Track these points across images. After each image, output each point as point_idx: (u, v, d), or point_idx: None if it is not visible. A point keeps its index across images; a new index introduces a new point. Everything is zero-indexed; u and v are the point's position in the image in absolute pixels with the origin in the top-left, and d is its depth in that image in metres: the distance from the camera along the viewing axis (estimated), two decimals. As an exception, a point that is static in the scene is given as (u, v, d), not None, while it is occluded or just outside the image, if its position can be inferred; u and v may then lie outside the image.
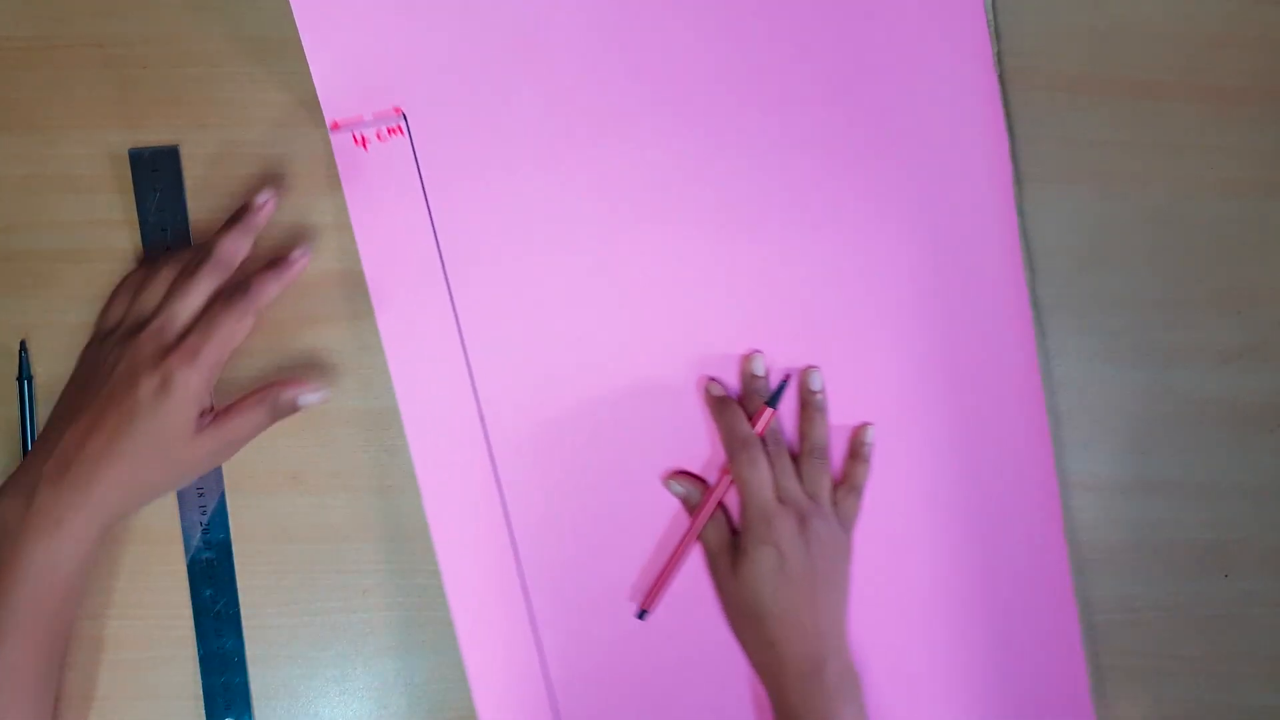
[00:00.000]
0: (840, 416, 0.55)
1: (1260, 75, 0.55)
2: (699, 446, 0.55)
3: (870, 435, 0.54)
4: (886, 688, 0.55)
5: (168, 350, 0.47)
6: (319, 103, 0.53)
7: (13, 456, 0.54)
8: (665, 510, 0.55)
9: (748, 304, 0.54)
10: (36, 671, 0.47)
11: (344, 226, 0.53)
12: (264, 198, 0.51)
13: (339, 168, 0.53)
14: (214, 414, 0.49)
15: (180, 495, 0.55)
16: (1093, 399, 0.56)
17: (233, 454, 0.50)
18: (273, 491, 0.55)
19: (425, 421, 0.53)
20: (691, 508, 0.54)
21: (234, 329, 0.49)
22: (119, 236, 0.54)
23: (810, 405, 0.54)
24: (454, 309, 0.53)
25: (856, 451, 0.54)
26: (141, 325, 0.48)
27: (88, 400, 0.47)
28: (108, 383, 0.47)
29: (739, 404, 0.53)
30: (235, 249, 0.50)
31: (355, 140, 0.53)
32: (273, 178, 0.53)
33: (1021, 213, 0.55)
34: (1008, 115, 0.54)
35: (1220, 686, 0.57)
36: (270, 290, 0.50)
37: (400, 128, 0.53)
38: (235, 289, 0.49)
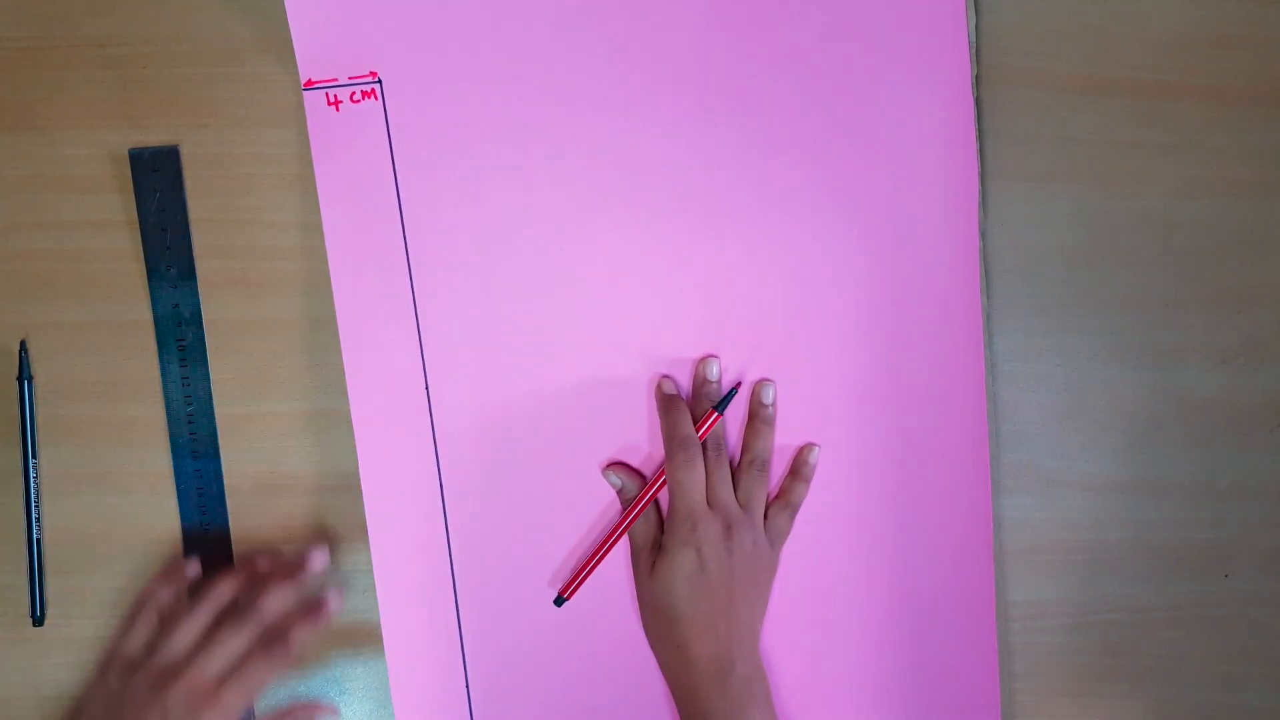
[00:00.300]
0: (785, 418, 0.54)
1: (1260, 75, 0.55)
2: (644, 443, 0.54)
3: (814, 456, 0.54)
4: (801, 692, 0.55)
5: (200, 700, 0.48)
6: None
7: (12, 457, 0.54)
8: (601, 503, 0.55)
9: (708, 304, 0.54)
10: None
11: (344, 226, 0.54)
12: (320, 559, 0.53)
13: (309, 127, 0.52)
14: None
15: (180, 494, 0.55)
16: (1093, 399, 0.56)
17: None
18: (272, 491, 0.55)
19: (371, 394, 0.54)
20: (626, 501, 0.54)
21: (268, 680, 0.50)
22: (119, 236, 0.54)
23: (758, 418, 0.54)
24: (411, 281, 0.53)
25: (798, 470, 0.54)
26: (172, 666, 0.48)
27: None
28: None
29: (687, 405, 0.53)
30: (281, 607, 0.51)
31: (328, 100, 0.52)
32: (324, 536, 0.54)
33: (984, 233, 0.55)
34: (979, 126, 0.54)
35: (1220, 686, 0.57)
36: (306, 641, 0.51)
37: (374, 92, 0.52)
38: (272, 638, 0.50)
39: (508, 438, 0.54)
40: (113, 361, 0.54)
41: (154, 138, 0.54)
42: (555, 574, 0.55)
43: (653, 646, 0.54)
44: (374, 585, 0.54)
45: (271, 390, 0.55)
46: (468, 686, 0.55)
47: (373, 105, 0.52)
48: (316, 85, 0.52)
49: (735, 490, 0.53)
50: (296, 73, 0.53)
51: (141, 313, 0.54)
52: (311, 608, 0.52)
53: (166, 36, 0.53)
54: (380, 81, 0.52)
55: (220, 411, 0.55)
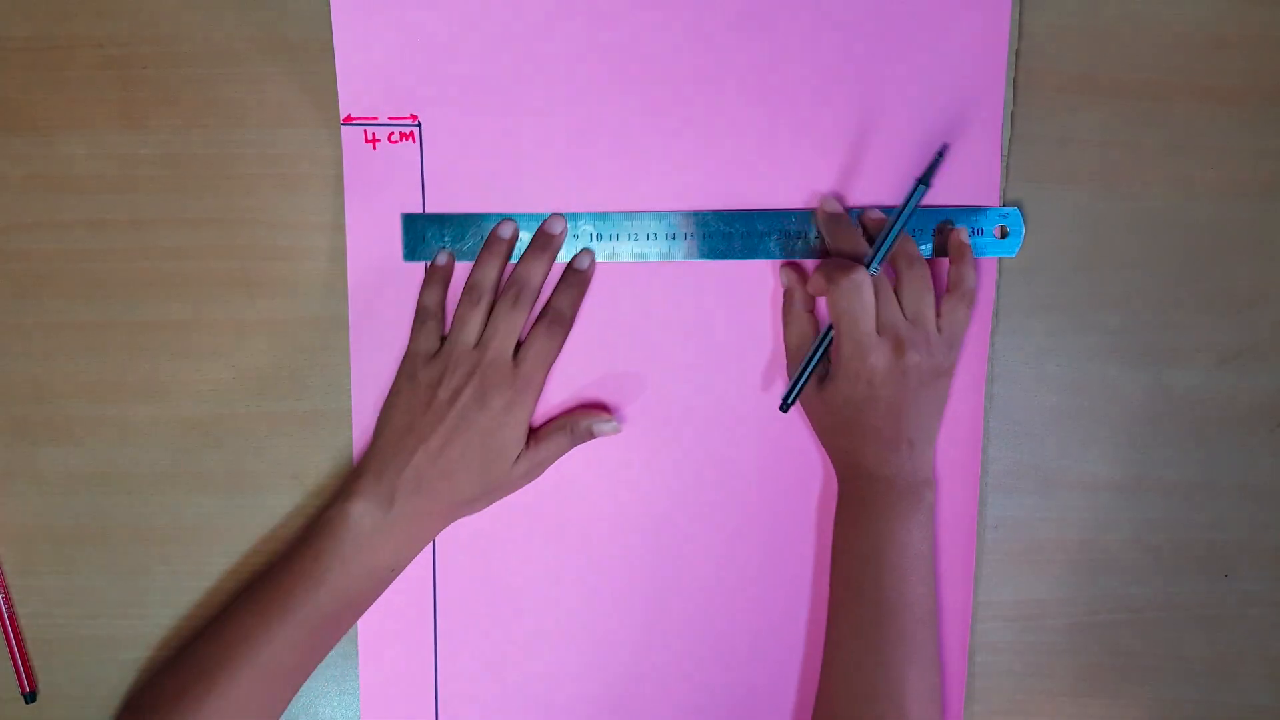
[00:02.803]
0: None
1: (1260, 75, 0.55)
2: (614, 469, 0.55)
3: (965, 235, 0.52)
4: (765, 684, 0.55)
5: (508, 375, 0.50)
6: (321, 103, 0.53)
7: (15, 455, 0.54)
8: (591, 522, 0.55)
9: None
10: (315, 645, 0.50)
11: (339, 227, 0.54)
12: (559, 226, 0.53)
13: (344, 160, 0.53)
14: (526, 439, 0.52)
15: (180, 495, 0.55)
16: (1093, 399, 0.56)
17: (537, 476, 0.53)
18: (273, 491, 0.55)
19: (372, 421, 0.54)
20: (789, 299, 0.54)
21: (556, 352, 0.52)
22: (120, 236, 0.54)
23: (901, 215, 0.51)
24: None
25: (959, 255, 0.52)
26: (469, 353, 0.51)
27: (433, 418, 0.50)
28: (454, 404, 0.50)
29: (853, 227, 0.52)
30: (542, 273, 0.52)
31: (365, 137, 0.53)
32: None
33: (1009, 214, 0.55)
34: (1010, 129, 0.54)
35: (1220, 686, 0.57)
36: (578, 307, 0.53)
37: (413, 134, 0.53)
38: (551, 317, 0.52)
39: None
40: (113, 361, 0.55)
41: (154, 138, 0.54)
42: (534, 590, 0.55)
43: (824, 446, 0.54)
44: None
45: (271, 390, 0.55)
46: (436, 692, 0.55)
47: (409, 147, 0.53)
48: (356, 121, 0.53)
49: (901, 302, 0.50)
50: (296, 73, 0.53)
51: (142, 313, 0.54)
52: (570, 273, 0.53)
53: (166, 36, 0.53)
54: (420, 125, 0.53)
55: (220, 411, 0.55)
